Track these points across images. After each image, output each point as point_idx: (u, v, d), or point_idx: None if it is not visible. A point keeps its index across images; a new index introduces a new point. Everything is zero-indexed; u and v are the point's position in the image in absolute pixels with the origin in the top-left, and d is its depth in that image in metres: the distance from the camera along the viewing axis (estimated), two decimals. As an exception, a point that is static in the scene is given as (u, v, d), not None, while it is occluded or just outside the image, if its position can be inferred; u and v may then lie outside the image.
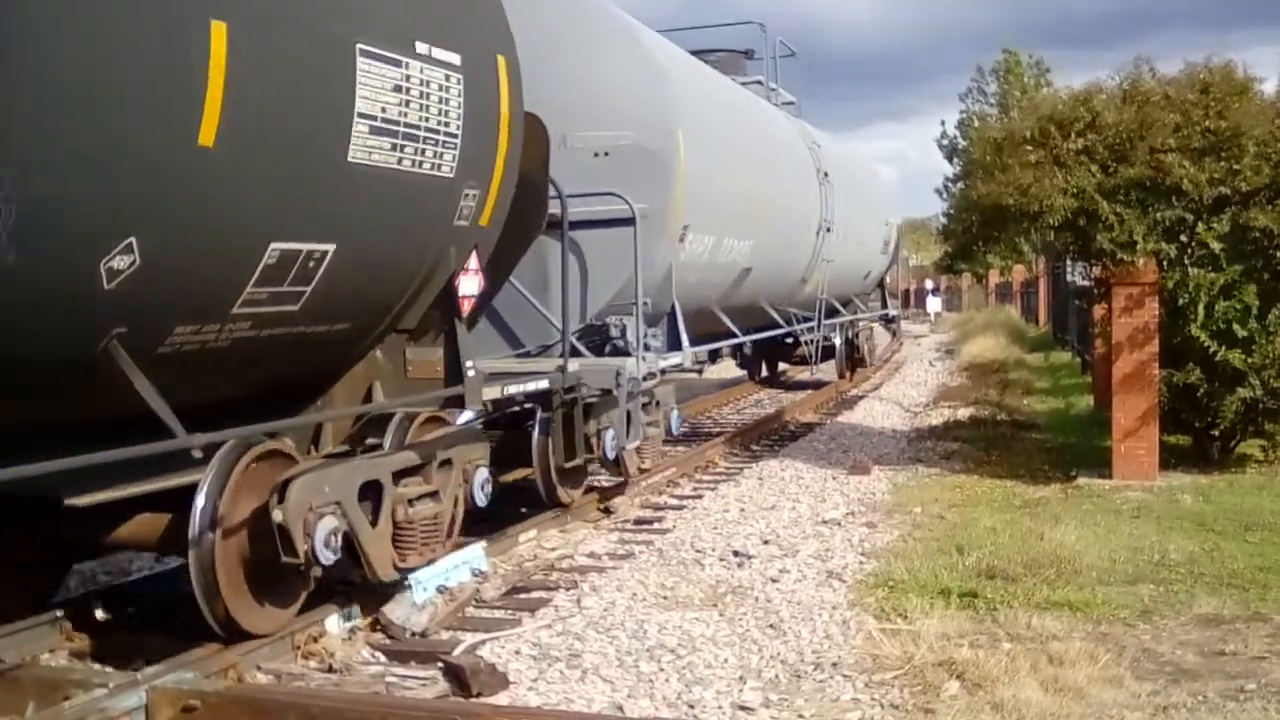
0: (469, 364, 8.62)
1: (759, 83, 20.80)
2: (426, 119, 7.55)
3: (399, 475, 8.09)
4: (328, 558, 7.18)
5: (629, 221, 11.41)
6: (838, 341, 23.98)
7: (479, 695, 6.73)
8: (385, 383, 8.62)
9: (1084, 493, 12.43)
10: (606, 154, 11.78)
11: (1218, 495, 12.11)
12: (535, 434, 10.77)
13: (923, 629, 7.62)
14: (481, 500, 8.99)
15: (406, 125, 7.32)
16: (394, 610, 8.21)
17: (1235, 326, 12.52)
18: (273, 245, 6.51)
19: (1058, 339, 34.77)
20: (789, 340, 21.21)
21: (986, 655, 7.11)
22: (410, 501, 8.09)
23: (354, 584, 8.23)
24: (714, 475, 14.72)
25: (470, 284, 8.66)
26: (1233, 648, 7.44)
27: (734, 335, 16.45)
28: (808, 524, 11.21)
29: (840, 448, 16.24)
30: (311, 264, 6.89)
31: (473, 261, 8.66)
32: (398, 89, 7.19)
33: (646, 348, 11.79)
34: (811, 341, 20.97)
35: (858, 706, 6.57)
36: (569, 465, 11.04)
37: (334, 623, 7.93)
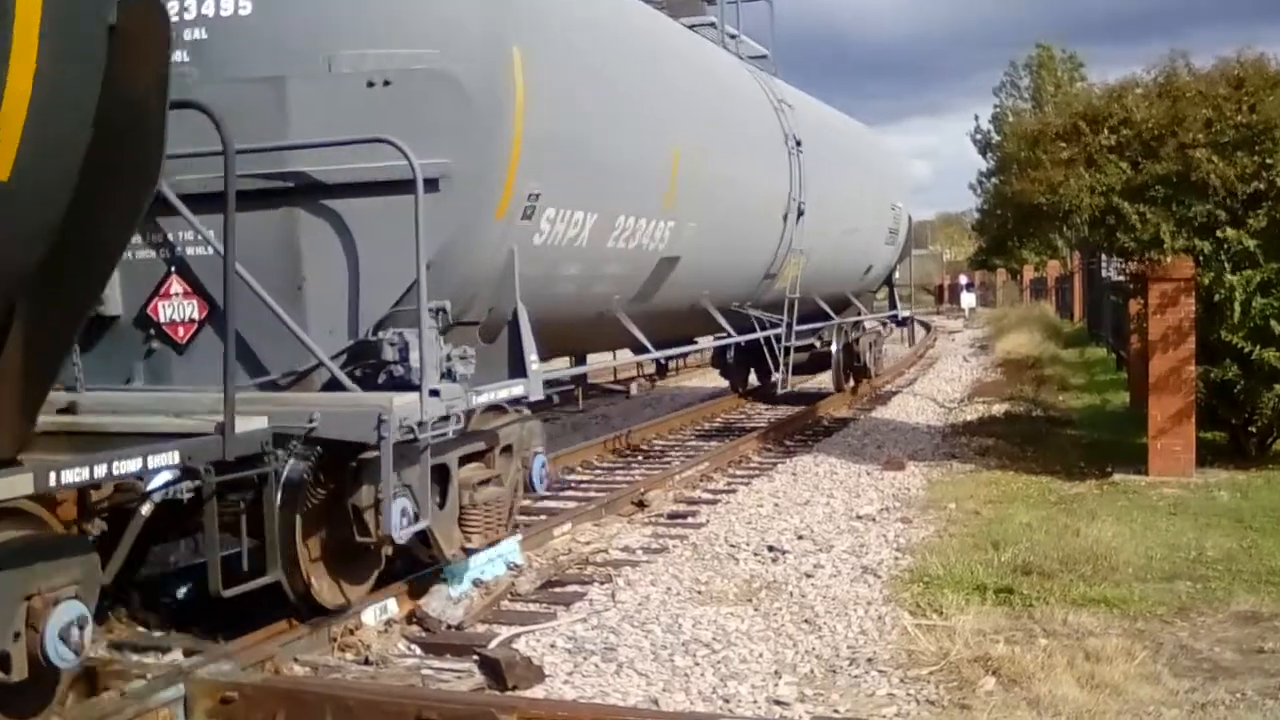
0: None
1: (711, 25, 16.15)
2: None
3: None
4: None
5: (411, 185, 7.33)
6: (834, 348, 20.67)
7: (514, 688, 6.76)
8: None
9: (1120, 489, 12.38)
10: (387, 83, 7.56)
11: (1255, 492, 12.04)
12: (275, 512, 7.05)
13: (958, 625, 7.61)
14: (66, 659, 5.53)
15: None
16: (430, 603, 8.25)
17: (1273, 323, 12.43)
18: None
19: (1093, 335, 34.60)
20: (786, 346, 17.14)
21: (1023, 651, 7.10)
22: None
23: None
24: (747, 470, 14.72)
25: None
26: (1271, 645, 7.40)
27: (646, 349, 12.41)
28: (842, 519, 11.20)
29: (874, 443, 16.21)
30: None
31: None
32: None
33: (448, 374, 7.73)
34: (788, 350, 16.85)
35: (893, 702, 6.57)
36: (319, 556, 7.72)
37: (371, 615, 7.97)
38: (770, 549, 9.97)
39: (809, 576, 9.10)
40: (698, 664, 7.20)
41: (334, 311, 7.64)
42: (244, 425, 6.61)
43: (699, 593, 8.75)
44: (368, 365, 7.72)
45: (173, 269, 7.64)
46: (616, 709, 6.35)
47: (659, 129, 11.32)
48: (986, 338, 39.80)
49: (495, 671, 6.90)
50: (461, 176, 7.78)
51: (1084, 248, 32.46)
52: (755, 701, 6.63)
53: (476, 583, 8.81)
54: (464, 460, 8.48)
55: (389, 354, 7.56)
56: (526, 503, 11.95)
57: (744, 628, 7.86)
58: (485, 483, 8.66)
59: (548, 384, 10.20)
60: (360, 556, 7.82)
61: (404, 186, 7.35)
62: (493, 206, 8.29)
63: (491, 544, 8.87)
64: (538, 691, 6.79)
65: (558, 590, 9.06)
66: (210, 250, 7.33)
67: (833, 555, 9.72)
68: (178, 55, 7.27)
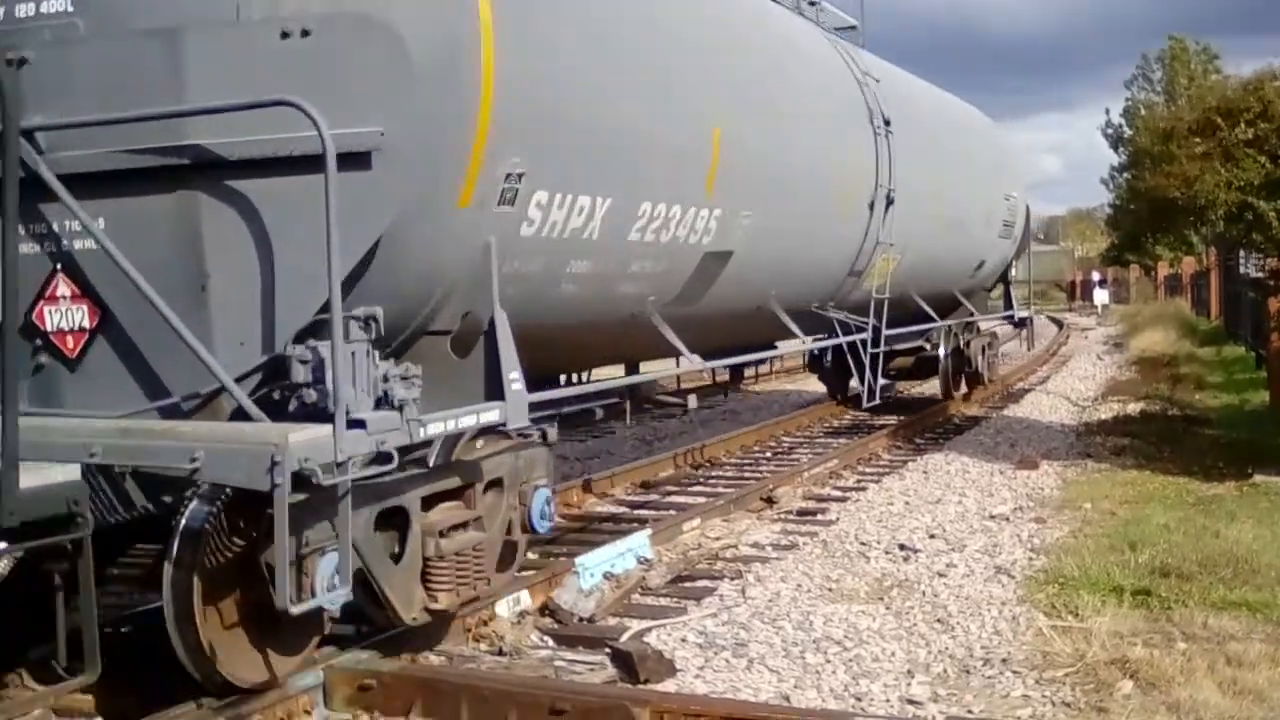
0: None
1: None
2: None
3: None
4: None
5: (343, 160, 5.68)
6: (941, 352, 19.06)
7: (646, 681, 6.80)
8: None
9: (1261, 490, 12.08)
10: (306, 32, 5.93)
11: (1404, 495, 11.71)
12: (168, 568, 5.99)
13: (1095, 627, 7.51)
14: None
15: None
16: (562, 595, 8.33)
17: None
18: None
19: (1230, 333, 33.83)
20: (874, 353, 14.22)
21: (1161, 655, 6.99)
22: None
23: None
24: (877, 467, 14.63)
25: None
26: None
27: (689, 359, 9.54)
28: (975, 518, 11.09)
29: (1007, 441, 16.03)
30: None
31: None
32: None
33: (385, 400, 6.05)
34: (875, 357, 14.15)
35: (1028, 703, 6.50)
36: (232, 624, 6.25)
37: (504, 607, 8.07)
38: (902, 547, 9.91)
39: (941, 575, 9.03)
40: (829, 661, 7.19)
41: (245, 319, 6.03)
42: (38, 478, 5.33)
43: (830, 590, 8.73)
44: (287, 387, 6.05)
45: (58, 266, 6.18)
46: (748, 704, 6.36)
47: (695, 97, 9.16)
48: (1120, 335, 39.18)
49: (627, 665, 6.94)
50: (401, 150, 6.01)
51: (1220, 243, 31.83)
52: (888, 700, 6.60)
53: (607, 576, 8.87)
54: (433, 500, 7.07)
55: (299, 374, 5.85)
56: (653, 497, 12.03)
57: (876, 626, 7.83)
58: (460, 527, 7.19)
59: (594, 397, 9.32)
60: (291, 622, 6.09)
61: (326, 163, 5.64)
62: (453, 188, 6.57)
63: (468, 601, 7.36)
64: (669, 685, 6.82)
65: (688, 585, 9.08)
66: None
67: (965, 554, 9.63)
68: (60, 4, 6.17)
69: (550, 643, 7.82)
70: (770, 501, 12.07)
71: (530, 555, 10.01)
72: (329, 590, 5.84)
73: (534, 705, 6.10)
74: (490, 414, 6.75)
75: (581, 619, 8.19)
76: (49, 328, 6.23)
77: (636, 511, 12.05)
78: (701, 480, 13.86)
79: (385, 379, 6.05)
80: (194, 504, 5.99)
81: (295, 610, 5.63)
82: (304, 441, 5.49)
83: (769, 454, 16.03)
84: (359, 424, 5.76)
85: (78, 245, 6.12)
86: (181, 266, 5.99)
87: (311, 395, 5.80)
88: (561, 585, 8.49)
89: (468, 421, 6.63)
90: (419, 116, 6.07)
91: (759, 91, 10.41)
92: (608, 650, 7.26)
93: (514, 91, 6.66)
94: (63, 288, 6.20)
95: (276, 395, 6.00)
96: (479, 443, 7.34)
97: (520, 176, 6.99)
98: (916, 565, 9.36)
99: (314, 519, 5.89)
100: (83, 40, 6.05)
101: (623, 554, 9.27)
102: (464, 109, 6.42)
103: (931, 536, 10.34)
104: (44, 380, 6.27)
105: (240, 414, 5.87)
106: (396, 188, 6.05)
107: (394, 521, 6.73)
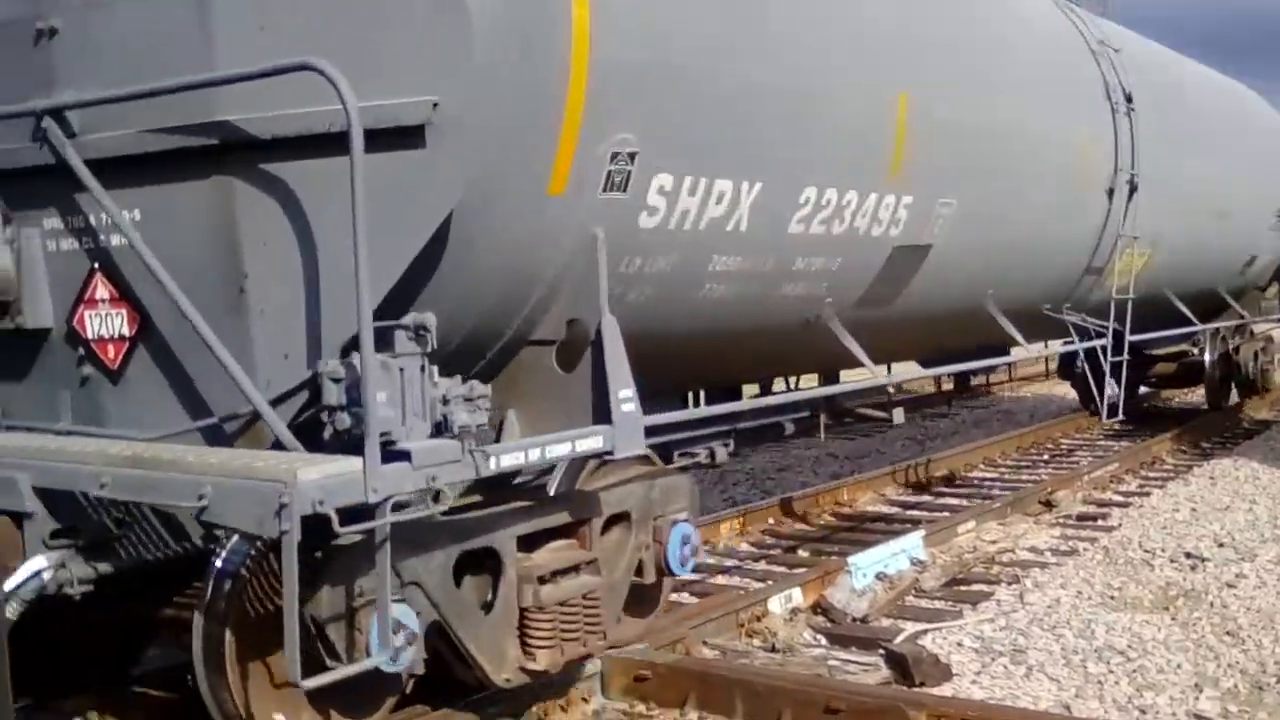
0: None
1: None
2: None
3: None
4: None
5: (391, 136, 4.81)
6: (1207, 358, 17.32)
7: (922, 685, 6.73)
8: None
9: None
10: None
11: None
12: (198, 618, 5.29)
13: (1401, 646, 7.13)
14: None
15: None
16: (835, 594, 8.31)
17: None
18: None
19: None
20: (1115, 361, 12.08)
21: None
22: None
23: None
24: (1161, 472, 14.14)
25: None
26: None
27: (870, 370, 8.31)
28: (1266, 527, 10.61)
29: (1302, 446, 15.31)
30: None
31: None
32: None
33: (442, 426, 4.89)
34: (1117, 366, 12.03)
35: (1327, 725, 6.22)
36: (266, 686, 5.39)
37: (776, 603, 8.10)
38: (1188, 555, 9.55)
39: (1231, 586, 8.67)
40: (1112, 671, 6.99)
41: (289, 326, 5.04)
42: None
43: (1112, 598, 8.49)
44: (325, 409, 4.91)
45: (96, 265, 5.42)
46: (1028, 713, 6.25)
47: (872, 52, 7.44)
48: None
49: (902, 667, 6.88)
50: (464, 124, 4.87)
51: None
52: (1174, 714, 6.39)
53: (880, 576, 8.81)
54: (538, 539, 6.09)
55: (331, 395, 4.70)
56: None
57: (1161, 636, 7.58)
58: (570, 571, 6.09)
59: (786, 408, 7.96)
60: (358, 681, 5.13)
61: (381, 139, 4.74)
62: (539, 170, 5.31)
63: (576, 659, 6.19)
64: (945, 690, 6.74)
65: (963, 589, 8.94)
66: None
67: (1257, 565, 9.23)
68: None
69: (823, 641, 7.84)
70: (1048, 505, 11.80)
71: (801, 553, 10.10)
72: (380, 651, 4.88)
73: (808, 703, 6.10)
74: (591, 441, 5.50)
75: (854, 619, 8.16)
76: (90, 335, 5.49)
77: (909, 512, 11.95)
78: (975, 482, 13.64)
79: (445, 400, 4.90)
80: (233, 541, 5.14)
81: (307, 685, 4.64)
82: (318, 479, 4.43)
83: (1046, 456, 15.67)
84: (399, 456, 4.70)
85: (114, 241, 5.35)
86: (217, 264, 5.11)
87: (344, 420, 4.69)
88: (834, 584, 8.48)
89: (559, 451, 5.42)
90: (485, 83, 4.93)
91: (958, 50, 8.59)
92: (882, 651, 7.22)
93: (620, 49, 5.44)
94: (101, 290, 5.43)
95: (324, 418, 4.91)
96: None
97: (632, 156, 5.69)
98: (1204, 575, 9.02)
99: (369, 565, 4.86)
100: (111, 4, 5.27)
101: (896, 554, 9.20)
102: (547, 73, 5.19)
103: (1220, 545, 9.93)
104: (88, 394, 5.55)
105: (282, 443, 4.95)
106: (459, 170, 4.93)
107: (486, 564, 5.82)
